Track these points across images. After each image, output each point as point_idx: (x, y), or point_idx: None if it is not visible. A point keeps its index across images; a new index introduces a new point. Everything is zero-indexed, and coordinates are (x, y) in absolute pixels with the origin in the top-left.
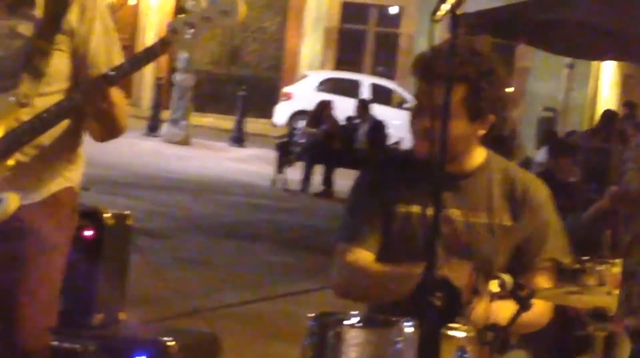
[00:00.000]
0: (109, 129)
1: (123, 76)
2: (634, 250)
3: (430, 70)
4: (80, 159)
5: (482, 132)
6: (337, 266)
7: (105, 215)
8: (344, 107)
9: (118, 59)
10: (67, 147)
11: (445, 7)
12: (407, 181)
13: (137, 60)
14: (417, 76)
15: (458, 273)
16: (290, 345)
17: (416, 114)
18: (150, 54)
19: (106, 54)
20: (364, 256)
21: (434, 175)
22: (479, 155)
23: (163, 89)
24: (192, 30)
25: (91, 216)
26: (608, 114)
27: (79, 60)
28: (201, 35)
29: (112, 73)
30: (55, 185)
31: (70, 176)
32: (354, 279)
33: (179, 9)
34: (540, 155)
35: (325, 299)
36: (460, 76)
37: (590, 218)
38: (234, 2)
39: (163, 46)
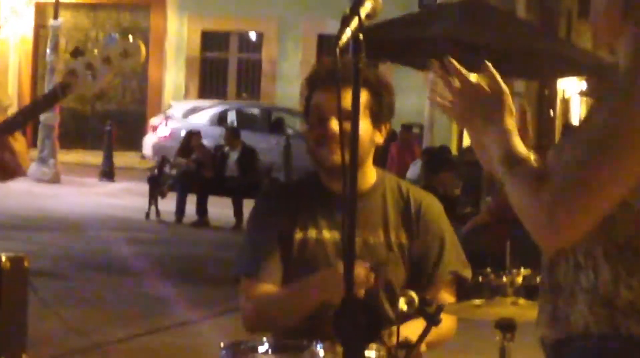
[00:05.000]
0: (9, 175)
1: (24, 122)
2: (559, 263)
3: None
4: None
5: (379, 140)
6: (244, 303)
7: (1, 259)
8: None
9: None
10: None
11: (347, 33)
12: (301, 206)
13: (38, 105)
14: (321, 83)
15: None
16: None
17: (318, 123)
18: (51, 98)
19: None
20: (268, 288)
21: (344, 185)
22: (371, 174)
23: (27, 129)
24: (91, 73)
25: None
26: None
27: None
28: (103, 78)
29: (14, 120)
30: None
31: None
32: (265, 311)
33: (77, 51)
34: (411, 171)
35: (212, 328)
36: (363, 81)
37: (469, 232)
38: (134, 43)
39: (64, 89)
